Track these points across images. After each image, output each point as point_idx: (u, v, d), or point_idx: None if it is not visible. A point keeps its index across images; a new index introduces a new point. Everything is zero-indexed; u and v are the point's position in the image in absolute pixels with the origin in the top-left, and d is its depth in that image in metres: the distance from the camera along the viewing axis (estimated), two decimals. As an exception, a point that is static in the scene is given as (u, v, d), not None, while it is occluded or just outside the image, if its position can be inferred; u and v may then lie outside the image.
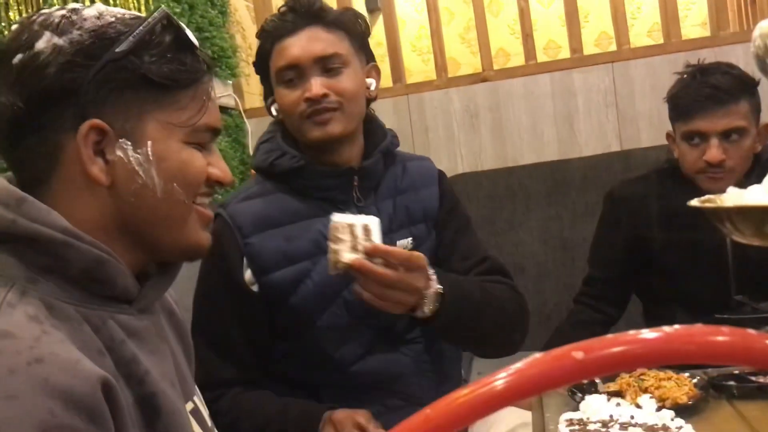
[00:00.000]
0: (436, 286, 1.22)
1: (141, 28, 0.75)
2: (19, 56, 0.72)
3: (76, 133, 0.73)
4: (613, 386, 1.31)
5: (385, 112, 2.71)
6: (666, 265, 1.72)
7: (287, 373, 1.39)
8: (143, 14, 0.82)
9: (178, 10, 2.29)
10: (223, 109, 2.32)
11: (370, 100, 1.42)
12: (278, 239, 1.32)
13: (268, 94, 1.41)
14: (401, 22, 3.97)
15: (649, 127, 2.45)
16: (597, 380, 1.34)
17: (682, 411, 1.10)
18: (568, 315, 1.90)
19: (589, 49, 3.46)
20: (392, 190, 1.41)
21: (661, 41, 2.69)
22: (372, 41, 1.46)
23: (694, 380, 1.30)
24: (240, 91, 2.60)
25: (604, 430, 1.02)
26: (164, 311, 0.89)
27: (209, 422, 0.89)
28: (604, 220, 1.88)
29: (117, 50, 0.73)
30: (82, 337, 0.68)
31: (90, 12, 0.76)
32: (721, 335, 0.26)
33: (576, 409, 1.13)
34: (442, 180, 1.50)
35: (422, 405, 0.32)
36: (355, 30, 1.38)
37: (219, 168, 0.84)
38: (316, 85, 1.30)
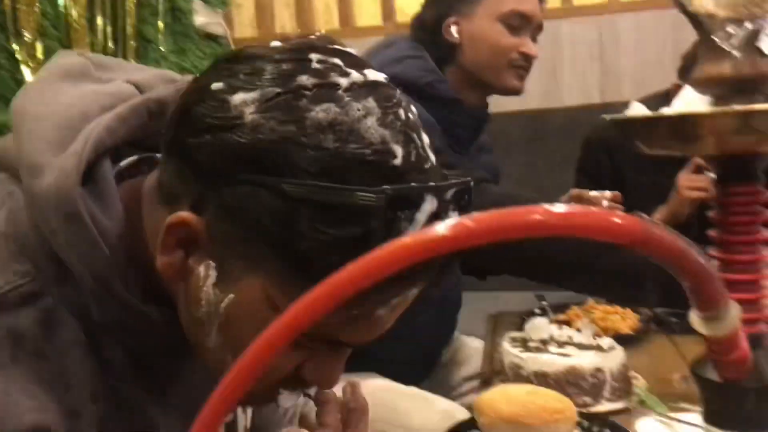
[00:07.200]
0: None
1: None
2: None
3: None
4: (562, 317, 1.39)
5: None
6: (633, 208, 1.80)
7: None
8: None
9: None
10: (212, 37, 2.36)
11: None
12: None
13: (445, 15, 1.44)
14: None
15: (632, 83, 2.48)
16: (548, 311, 1.42)
17: (621, 340, 1.16)
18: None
19: None
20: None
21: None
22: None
23: (640, 315, 1.38)
24: (229, 20, 2.62)
25: (542, 346, 1.08)
26: None
27: None
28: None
29: None
30: None
31: None
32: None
33: (521, 329, 1.20)
34: None
35: None
36: None
37: None
38: (535, 47, 1.47)
